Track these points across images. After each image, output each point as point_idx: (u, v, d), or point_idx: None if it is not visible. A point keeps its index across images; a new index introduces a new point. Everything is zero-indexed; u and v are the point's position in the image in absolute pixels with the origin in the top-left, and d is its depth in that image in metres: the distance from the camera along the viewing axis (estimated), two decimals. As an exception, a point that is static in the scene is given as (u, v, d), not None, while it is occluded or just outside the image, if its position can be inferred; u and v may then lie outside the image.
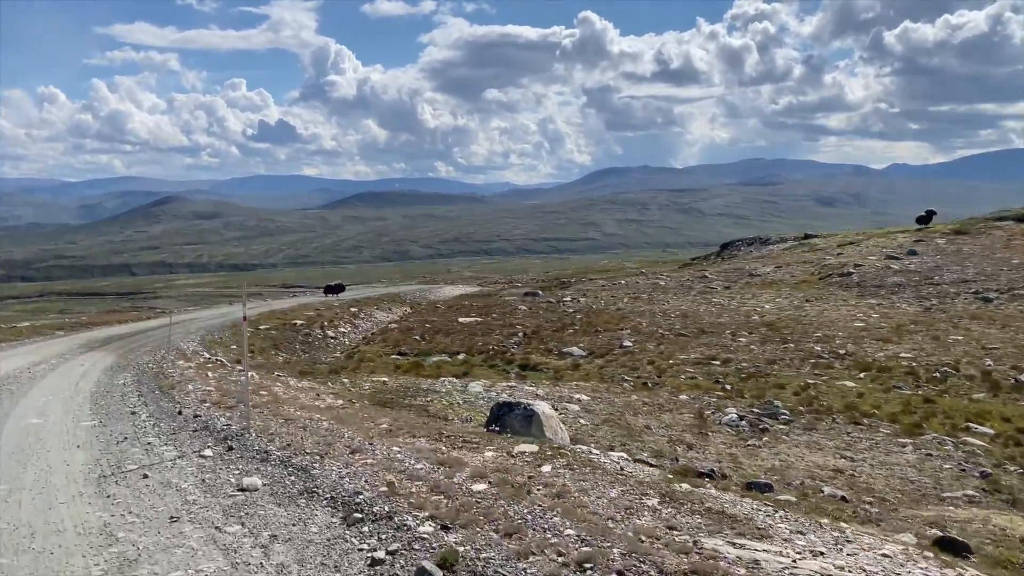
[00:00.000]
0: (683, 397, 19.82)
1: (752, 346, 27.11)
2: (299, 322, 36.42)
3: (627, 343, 28.81)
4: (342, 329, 37.88)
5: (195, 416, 12.04)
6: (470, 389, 18.66)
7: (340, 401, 14.49)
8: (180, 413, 12.29)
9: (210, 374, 16.60)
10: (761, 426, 16.78)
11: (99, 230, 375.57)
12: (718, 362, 25.06)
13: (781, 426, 16.81)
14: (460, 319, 37.22)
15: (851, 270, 40.64)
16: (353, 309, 43.33)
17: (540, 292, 47.22)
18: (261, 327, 34.17)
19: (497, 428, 11.86)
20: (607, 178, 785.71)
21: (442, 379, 20.75)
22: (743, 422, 17.20)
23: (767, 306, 35.77)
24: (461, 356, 28.33)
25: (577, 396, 18.49)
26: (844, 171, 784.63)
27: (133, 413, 12.51)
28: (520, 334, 32.24)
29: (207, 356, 21.59)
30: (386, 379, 20.67)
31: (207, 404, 12.98)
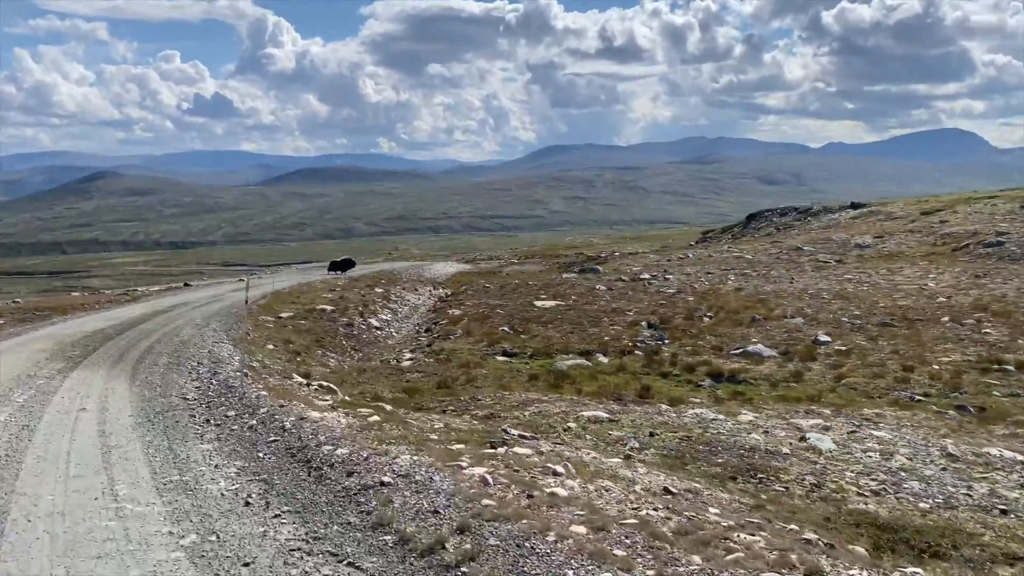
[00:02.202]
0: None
1: (1020, 339, 19.38)
2: (326, 308, 27.60)
3: (823, 337, 20.80)
4: (383, 316, 29.16)
5: None
6: (825, 447, 10.30)
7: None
8: None
9: (507, 491, 6.74)
10: None
11: (26, 206, 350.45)
12: (1010, 366, 17.24)
13: None
14: (536, 303, 28.72)
15: (999, 239, 33.36)
16: (379, 290, 34.50)
17: (599, 268, 38.97)
18: (283, 315, 25.29)
19: None
20: (552, 156, 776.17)
21: (745, 417, 12.40)
22: None
23: (932, 284, 28.27)
24: (602, 357, 19.98)
25: (995, 451, 10.34)
26: (783, 150, 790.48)
27: None
28: (644, 323, 23.98)
29: (296, 377, 12.72)
30: (607, 411, 12.17)
31: None
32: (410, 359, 21.04)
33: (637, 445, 10.21)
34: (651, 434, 10.77)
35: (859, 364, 18.19)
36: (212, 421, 9.26)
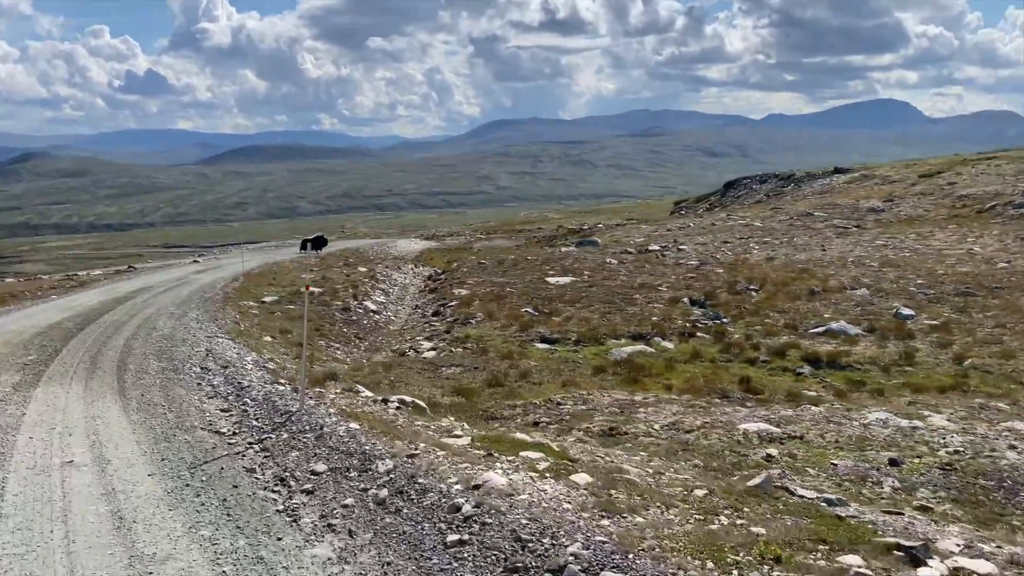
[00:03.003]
0: None
1: None
2: (314, 290, 24.15)
3: (905, 311, 18.25)
4: (377, 299, 25.91)
5: None
6: None
7: None
8: None
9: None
10: None
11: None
12: None
13: None
14: (548, 280, 25.69)
15: (1030, 200, 31.39)
16: (362, 269, 31.13)
17: (598, 241, 36.06)
18: (266, 300, 21.98)
19: None
20: (498, 130, 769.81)
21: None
22: None
23: (977, 248, 26.07)
24: (664, 342, 17.06)
25: None
26: (725, 122, 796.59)
27: None
28: (686, 300, 21.18)
29: (364, 391, 9.44)
30: (767, 421, 9.22)
31: None
32: (432, 349, 17.83)
33: (898, 485, 7.30)
34: (891, 462, 7.88)
35: (970, 341, 15.62)
36: (292, 483, 5.69)
